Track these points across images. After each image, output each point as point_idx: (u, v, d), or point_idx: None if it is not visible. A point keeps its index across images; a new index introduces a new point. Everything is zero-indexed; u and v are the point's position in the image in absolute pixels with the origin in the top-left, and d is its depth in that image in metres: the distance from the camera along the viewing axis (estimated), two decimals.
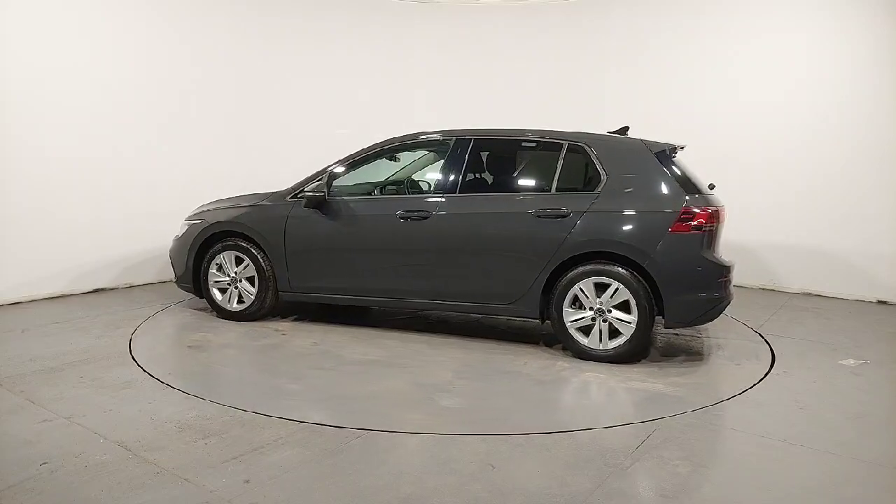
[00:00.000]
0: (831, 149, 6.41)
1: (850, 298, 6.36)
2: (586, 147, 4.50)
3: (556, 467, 2.85)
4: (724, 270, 4.27)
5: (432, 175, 5.10)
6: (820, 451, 3.06)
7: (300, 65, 7.84)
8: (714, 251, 4.30)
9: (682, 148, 4.70)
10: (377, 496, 2.59)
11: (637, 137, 4.59)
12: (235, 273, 5.23)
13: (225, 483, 2.67)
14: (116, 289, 6.41)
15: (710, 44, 7.10)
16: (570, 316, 4.34)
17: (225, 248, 5.24)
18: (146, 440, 3.05)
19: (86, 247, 6.19)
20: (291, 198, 5.11)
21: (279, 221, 5.07)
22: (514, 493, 2.62)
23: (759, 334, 5.08)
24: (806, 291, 6.63)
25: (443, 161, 4.95)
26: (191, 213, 5.63)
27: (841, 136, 6.35)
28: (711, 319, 4.42)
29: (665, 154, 4.41)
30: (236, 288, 5.24)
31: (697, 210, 4.16)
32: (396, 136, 5.08)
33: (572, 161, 4.56)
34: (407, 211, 4.73)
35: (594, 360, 4.29)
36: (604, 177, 4.38)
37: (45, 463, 2.82)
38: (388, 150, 5.10)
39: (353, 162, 5.11)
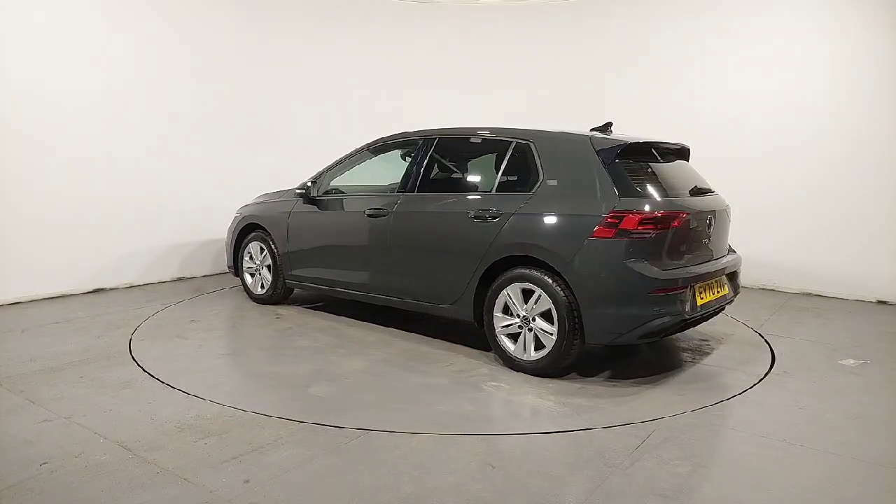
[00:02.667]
0: (831, 149, 6.41)
1: (850, 298, 6.36)
2: (530, 145, 4.25)
3: (556, 467, 2.85)
4: (656, 284, 3.68)
5: (401, 174, 5.11)
6: (820, 451, 3.06)
7: (300, 65, 7.84)
8: (652, 261, 3.73)
9: (678, 146, 4.49)
10: (377, 496, 2.59)
11: (590, 133, 4.22)
12: (258, 262, 5.87)
13: (225, 483, 2.67)
14: (116, 289, 6.41)
15: (711, 44, 7.10)
16: (501, 322, 4.15)
17: (253, 239, 5.89)
18: (146, 440, 3.05)
19: (86, 247, 6.19)
20: (296, 194, 5.55)
21: (284, 216, 5.60)
22: (514, 493, 2.62)
23: (759, 334, 5.08)
24: (806, 291, 6.63)
25: (408, 160, 5.04)
26: (240, 207, 6.24)
27: (841, 135, 6.35)
28: (642, 340, 3.85)
29: (612, 151, 3.95)
30: (260, 275, 5.88)
31: (627, 214, 3.72)
32: (383, 135, 5.25)
33: (517, 160, 4.33)
34: (371, 209, 4.91)
35: (520, 370, 4.06)
36: (541, 176, 4.11)
37: (45, 463, 2.82)
38: (375, 149, 5.26)
39: (343, 161, 5.42)
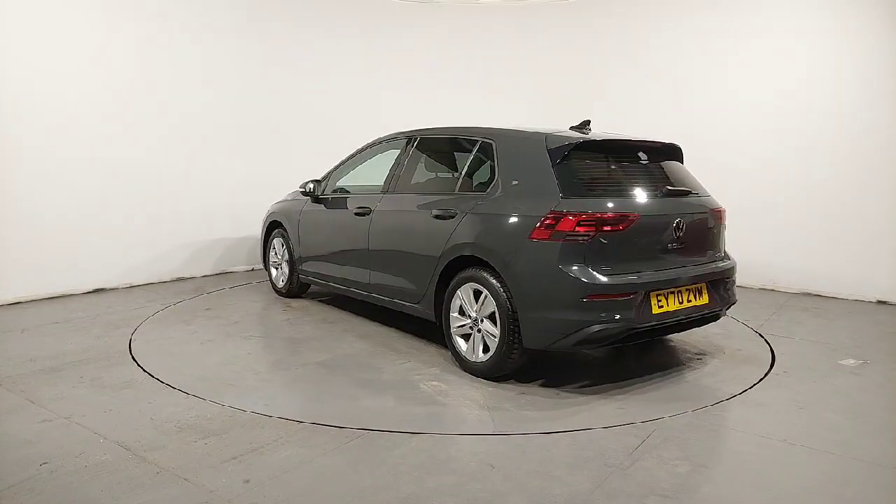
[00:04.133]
0: (832, 148, 6.41)
1: (850, 298, 6.36)
2: (492, 144, 4.18)
3: (556, 467, 2.85)
4: (590, 290, 3.49)
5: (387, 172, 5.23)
6: (820, 451, 3.06)
7: (300, 65, 7.84)
8: (593, 265, 3.55)
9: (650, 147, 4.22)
10: (377, 496, 2.59)
11: (548, 132, 4.05)
12: (280, 257, 6.19)
13: (225, 483, 2.67)
14: (116, 289, 6.41)
15: (711, 44, 7.10)
16: (456, 322, 4.12)
17: (276, 236, 6.22)
18: (146, 440, 3.05)
19: (86, 247, 6.19)
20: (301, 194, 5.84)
21: (297, 214, 5.90)
22: (514, 493, 2.62)
23: (759, 334, 5.08)
24: (806, 291, 6.62)
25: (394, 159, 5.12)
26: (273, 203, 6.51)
27: (841, 135, 6.35)
28: (580, 348, 3.71)
29: (562, 150, 3.80)
30: (280, 269, 6.20)
31: (564, 215, 3.56)
32: (382, 135, 5.37)
33: (480, 159, 4.31)
34: (358, 207, 5.08)
35: (468, 371, 4.04)
36: (496, 176, 4.05)
37: (45, 463, 2.82)
38: (372, 149, 5.39)
39: (346, 161, 5.60)
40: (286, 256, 6.05)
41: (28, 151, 5.74)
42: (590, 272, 3.54)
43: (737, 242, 6.85)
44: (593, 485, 2.69)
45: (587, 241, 3.54)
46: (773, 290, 6.79)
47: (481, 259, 3.93)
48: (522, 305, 3.68)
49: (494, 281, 3.82)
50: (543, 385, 3.88)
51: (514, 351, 3.78)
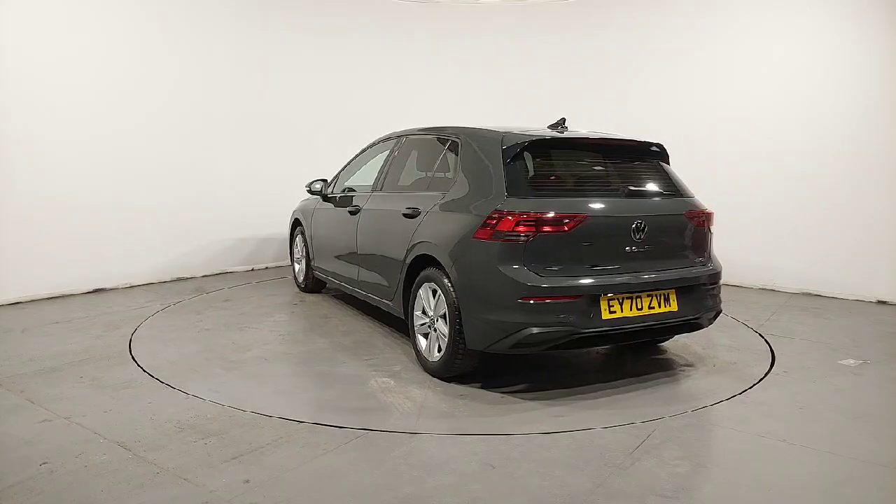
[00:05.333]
0: (832, 149, 6.41)
1: (850, 298, 6.36)
2: (458, 142, 4.15)
3: (556, 467, 2.85)
4: (526, 291, 3.38)
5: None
6: (820, 451, 3.06)
7: (300, 64, 7.84)
8: (533, 266, 3.44)
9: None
10: (377, 496, 2.59)
11: (508, 130, 3.98)
12: (300, 254, 6.43)
13: (225, 483, 2.67)
14: (116, 289, 6.41)
15: (711, 43, 7.10)
16: (419, 320, 4.12)
17: (298, 233, 6.47)
18: (146, 440, 3.05)
19: (86, 247, 6.19)
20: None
21: (311, 213, 6.10)
22: (514, 493, 2.62)
23: (759, 334, 5.08)
24: (806, 291, 6.62)
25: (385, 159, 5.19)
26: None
27: (841, 135, 6.35)
28: (517, 351, 3.54)
29: (515, 149, 3.73)
30: (301, 265, 6.45)
31: (504, 215, 3.49)
32: (380, 136, 5.50)
33: (447, 157, 4.29)
34: (351, 206, 5.21)
35: (426, 370, 4.03)
36: (457, 174, 4.04)
37: (45, 463, 2.82)
38: (372, 149, 5.50)
39: (351, 161, 5.72)
40: (304, 253, 6.28)
41: (28, 152, 5.73)
42: (528, 273, 3.43)
43: (737, 242, 6.90)
44: (593, 485, 2.69)
45: (526, 241, 3.44)
46: (773, 290, 6.79)
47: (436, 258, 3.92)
48: (465, 306, 3.63)
49: (446, 280, 3.78)
50: (488, 387, 3.82)
51: (461, 351, 3.72)
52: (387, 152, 5.17)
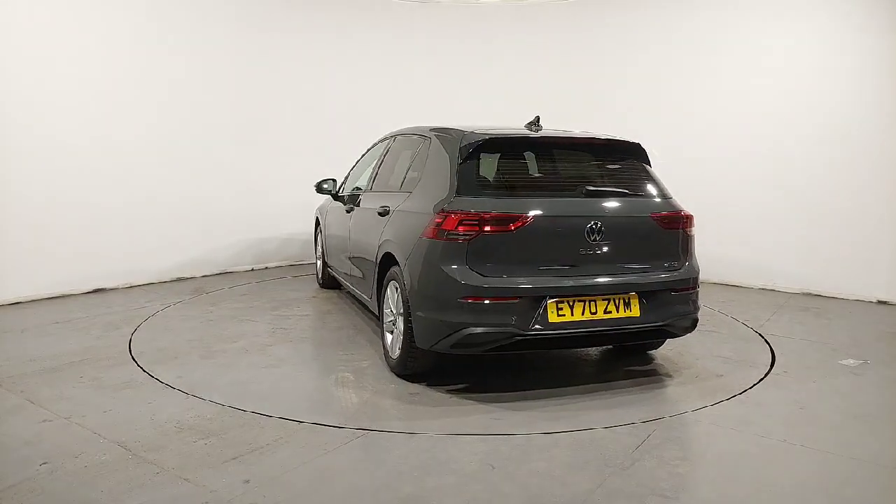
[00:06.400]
0: (832, 148, 6.41)
1: (850, 298, 6.36)
2: (429, 141, 4.17)
3: (556, 467, 2.85)
4: (466, 291, 3.36)
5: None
6: (820, 451, 3.06)
7: (301, 65, 7.84)
8: (476, 265, 3.40)
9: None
10: (377, 496, 2.59)
11: (472, 128, 3.93)
12: (320, 251, 6.56)
13: (225, 483, 2.67)
14: (116, 289, 6.41)
15: (712, 43, 7.09)
16: (387, 318, 4.12)
17: (319, 232, 6.62)
18: (146, 440, 3.05)
19: (86, 247, 6.19)
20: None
21: (325, 212, 6.25)
22: (514, 494, 2.62)
23: (759, 334, 5.08)
24: (806, 291, 6.62)
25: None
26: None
27: (841, 135, 6.35)
28: (458, 351, 3.49)
29: (470, 147, 3.69)
30: (320, 262, 6.61)
31: (449, 214, 3.46)
32: (380, 136, 5.58)
33: (420, 157, 4.27)
34: (348, 206, 5.28)
35: (389, 367, 4.04)
36: (421, 173, 4.04)
37: (45, 463, 2.82)
38: (372, 149, 5.59)
39: (359, 160, 5.83)
40: (321, 251, 6.49)
41: (28, 152, 5.73)
42: (469, 273, 3.39)
43: (737, 242, 6.91)
44: (593, 485, 2.69)
45: (468, 241, 3.40)
46: (773, 290, 6.79)
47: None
48: (413, 304, 3.64)
49: (402, 278, 3.80)
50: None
51: (413, 350, 3.71)
52: (381, 151, 5.25)
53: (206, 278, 7.08)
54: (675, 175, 7.25)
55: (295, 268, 7.84)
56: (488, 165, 3.77)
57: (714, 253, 7.07)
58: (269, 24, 7.55)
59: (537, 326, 3.39)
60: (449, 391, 3.75)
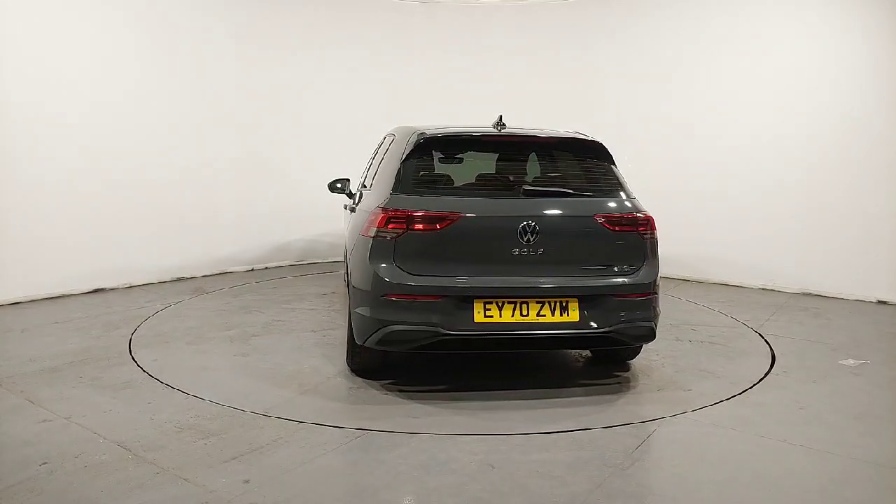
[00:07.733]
0: (831, 148, 6.41)
1: (850, 298, 6.36)
2: (392, 140, 4.23)
3: (556, 467, 2.85)
4: (387, 289, 3.36)
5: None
6: (820, 451, 3.06)
7: (301, 66, 7.83)
8: (402, 263, 3.40)
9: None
10: (377, 496, 2.59)
11: (425, 127, 3.93)
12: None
13: (225, 483, 2.67)
14: (116, 289, 6.41)
15: (711, 43, 7.09)
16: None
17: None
18: (146, 440, 3.05)
19: (86, 247, 6.18)
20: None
21: (345, 210, 5.98)
22: (514, 493, 2.62)
23: (759, 334, 5.08)
24: (806, 291, 6.62)
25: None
26: None
27: (841, 135, 6.35)
28: (384, 348, 3.52)
29: (418, 145, 3.69)
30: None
31: (380, 212, 3.49)
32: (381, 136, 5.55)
33: (388, 155, 4.27)
34: (351, 203, 5.17)
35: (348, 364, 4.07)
36: (378, 171, 4.08)
37: (44, 463, 2.82)
38: (376, 148, 5.46)
39: (370, 160, 5.78)
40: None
41: (28, 152, 5.72)
42: (394, 270, 3.39)
43: (737, 242, 6.91)
44: (593, 485, 2.69)
45: (395, 239, 3.42)
46: (773, 290, 6.79)
47: None
48: (351, 300, 3.70)
49: (346, 275, 3.93)
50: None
51: (354, 346, 3.71)
52: (380, 151, 5.24)
53: (205, 278, 7.07)
54: (676, 175, 7.32)
55: (295, 268, 7.83)
56: (428, 164, 3.80)
57: (714, 253, 7.09)
58: (269, 23, 7.54)
59: (461, 326, 3.36)
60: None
